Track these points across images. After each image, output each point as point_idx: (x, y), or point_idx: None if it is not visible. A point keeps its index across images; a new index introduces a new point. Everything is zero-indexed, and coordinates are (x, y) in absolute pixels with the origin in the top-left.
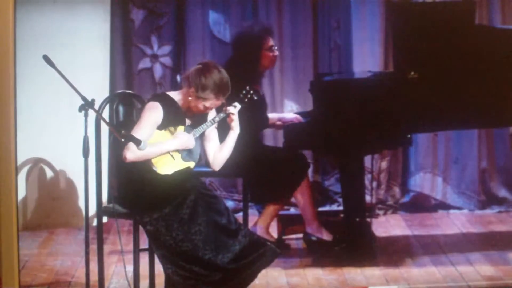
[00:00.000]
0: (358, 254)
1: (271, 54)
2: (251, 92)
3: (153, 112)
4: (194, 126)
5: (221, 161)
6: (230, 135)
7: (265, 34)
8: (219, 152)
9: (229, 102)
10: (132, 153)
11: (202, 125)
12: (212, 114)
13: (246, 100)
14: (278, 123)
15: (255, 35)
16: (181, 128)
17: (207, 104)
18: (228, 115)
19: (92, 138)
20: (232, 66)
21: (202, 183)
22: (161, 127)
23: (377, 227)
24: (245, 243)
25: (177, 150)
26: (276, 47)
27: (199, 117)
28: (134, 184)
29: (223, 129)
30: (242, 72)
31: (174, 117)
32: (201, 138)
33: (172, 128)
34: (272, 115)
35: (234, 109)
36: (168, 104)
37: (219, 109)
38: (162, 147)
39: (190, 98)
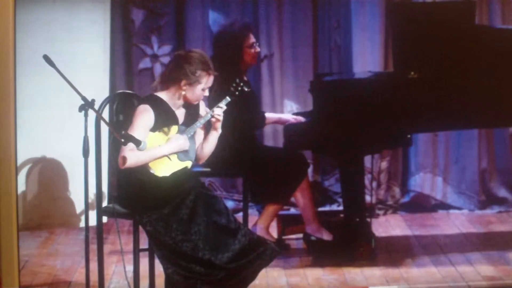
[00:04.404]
0: (358, 254)
1: (252, 50)
2: (242, 84)
3: (145, 115)
4: (186, 123)
5: (203, 158)
6: (213, 134)
7: (245, 32)
8: (201, 150)
9: (222, 96)
10: (128, 160)
11: (194, 124)
12: (202, 109)
13: (236, 93)
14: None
15: (236, 33)
16: (174, 128)
17: (203, 85)
18: (213, 116)
19: (92, 138)
20: (215, 65)
21: (201, 183)
22: (154, 129)
23: (377, 227)
24: (244, 242)
25: None
26: (257, 43)
27: (191, 113)
28: (134, 184)
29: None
30: (224, 71)
31: (166, 117)
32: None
33: (165, 129)
34: (270, 115)
35: (220, 110)
36: (158, 105)
37: (210, 105)
38: (158, 152)
39: (183, 92)
